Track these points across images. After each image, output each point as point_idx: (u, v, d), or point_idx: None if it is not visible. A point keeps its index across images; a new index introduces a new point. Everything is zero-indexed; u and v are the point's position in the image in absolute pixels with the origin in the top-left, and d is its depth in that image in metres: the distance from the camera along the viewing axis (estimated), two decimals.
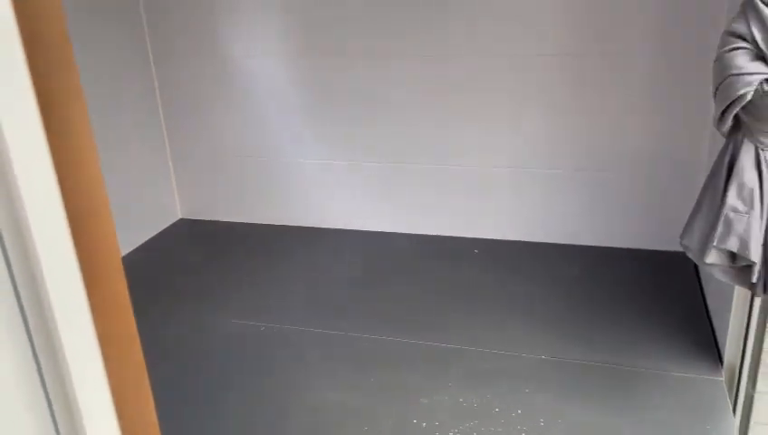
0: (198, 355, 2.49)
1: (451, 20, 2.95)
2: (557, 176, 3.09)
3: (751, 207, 1.68)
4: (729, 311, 2.15)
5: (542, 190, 3.14)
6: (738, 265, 1.78)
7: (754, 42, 1.55)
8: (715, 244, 1.75)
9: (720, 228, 1.73)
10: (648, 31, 2.76)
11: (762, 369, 2.15)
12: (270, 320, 2.68)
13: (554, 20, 2.84)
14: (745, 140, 1.67)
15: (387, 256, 3.22)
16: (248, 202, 3.63)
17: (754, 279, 1.75)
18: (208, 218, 3.74)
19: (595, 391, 2.16)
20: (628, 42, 2.79)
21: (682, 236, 1.91)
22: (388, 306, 2.74)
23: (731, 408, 2.07)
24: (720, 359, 2.26)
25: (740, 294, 2.10)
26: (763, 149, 1.66)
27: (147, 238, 3.50)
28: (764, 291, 1.76)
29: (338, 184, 3.43)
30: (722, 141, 1.78)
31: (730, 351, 2.19)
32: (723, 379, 2.18)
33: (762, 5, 1.53)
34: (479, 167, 3.17)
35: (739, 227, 1.70)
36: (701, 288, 2.73)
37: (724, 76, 1.62)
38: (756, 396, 2.17)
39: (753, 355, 2.12)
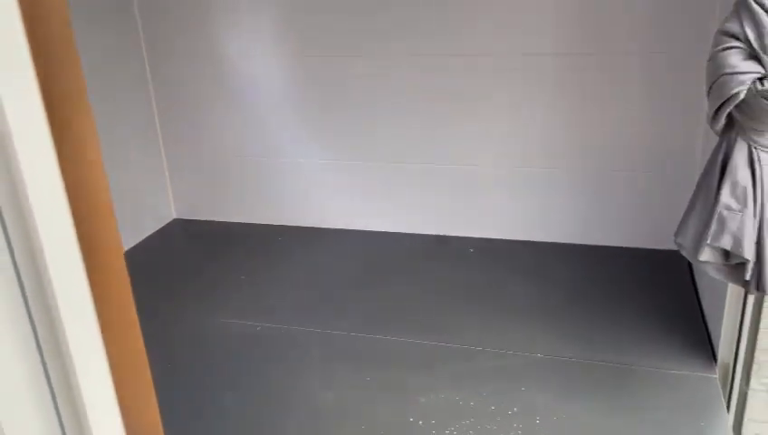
0: (195, 355, 2.49)
1: (449, 20, 2.95)
2: (553, 175, 3.10)
3: (744, 205, 1.70)
4: (723, 309, 2.16)
5: (539, 190, 3.15)
6: (732, 262, 1.80)
7: (747, 41, 1.57)
8: (708, 242, 1.76)
9: (714, 226, 1.75)
10: (644, 31, 2.78)
11: (755, 366, 2.17)
12: (266, 320, 2.68)
13: (551, 20, 2.85)
14: (739, 139, 1.69)
15: (384, 255, 3.22)
16: (243, 202, 3.63)
17: (748, 277, 1.76)
18: (203, 218, 3.74)
19: (590, 388, 2.17)
20: (624, 42, 2.81)
21: (676, 235, 1.92)
22: (385, 306, 2.75)
23: (725, 405, 2.09)
24: (714, 356, 2.27)
25: (733, 291, 2.12)
26: (756, 148, 1.67)
27: (141, 238, 3.49)
28: (758, 288, 1.77)
29: (335, 184, 3.43)
30: (715, 140, 1.79)
31: (724, 348, 2.21)
32: (717, 376, 2.20)
33: (754, 5, 1.55)
34: (475, 166, 3.18)
35: (732, 224, 1.72)
36: (695, 286, 2.75)
37: (717, 75, 1.63)
38: (750, 393, 2.19)
39: (746, 352, 2.14)
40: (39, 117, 0.54)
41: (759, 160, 1.67)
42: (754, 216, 1.70)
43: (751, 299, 2.08)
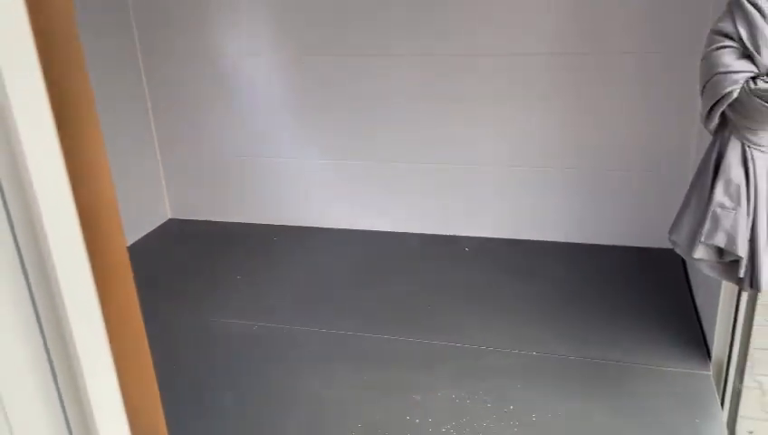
0: (191, 355, 2.49)
1: (447, 21, 2.96)
2: (548, 175, 3.12)
3: (738, 203, 1.71)
4: (716, 306, 2.18)
5: (534, 189, 3.16)
6: (725, 260, 1.81)
7: (740, 40, 1.58)
8: (702, 239, 1.78)
9: (708, 224, 1.76)
10: (639, 30, 2.79)
11: (748, 363, 2.19)
12: (263, 319, 2.69)
13: (547, 20, 2.87)
14: (732, 137, 1.70)
15: (381, 255, 3.23)
16: (239, 202, 3.63)
17: (741, 274, 1.78)
18: (199, 218, 3.73)
19: (586, 385, 2.19)
20: (619, 41, 2.82)
21: (670, 233, 1.94)
22: (382, 305, 2.75)
23: (719, 401, 2.10)
24: (708, 353, 2.29)
25: (727, 289, 2.13)
26: (749, 146, 1.69)
27: (136, 239, 3.49)
28: (751, 285, 1.79)
29: (331, 184, 3.43)
30: (709, 139, 1.81)
31: (718, 345, 2.22)
32: (711, 373, 2.21)
33: (747, 5, 1.56)
34: (470, 166, 3.19)
35: (726, 222, 1.73)
36: (689, 284, 2.77)
37: (711, 74, 1.65)
38: (744, 390, 2.20)
39: (740, 350, 2.16)
40: (47, 119, 0.54)
41: (752, 159, 1.69)
42: (748, 214, 1.72)
43: (744, 296, 2.09)
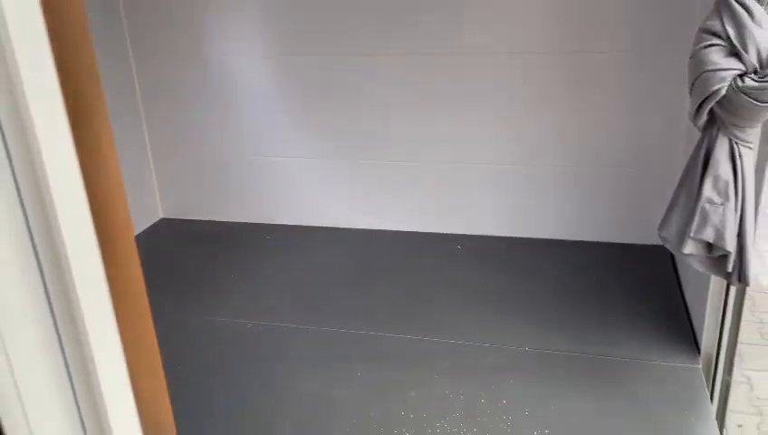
0: (185, 354, 2.49)
1: (438, 20, 2.98)
2: (539, 172, 3.14)
3: (726, 198, 1.74)
4: (705, 301, 2.21)
5: (524, 187, 3.18)
6: (714, 255, 1.84)
7: (728, 38, 1.61)
8: (691, 235, 1.81)
9: (696, 220, 1.79)
10: (626, 29, 2.82)
11: (737, 358, 2.22)
12: (257, 318, 2.70)
13: (534, 19, 2.89)
14: (720, 134, 1.73)
15: (372, 253, 3.24)
16: (231, 201, 3.63)
17: (730, 268, 1.81)
18: (191, 218, 3.73)
19: (577, 380, 2.21)
20: (609, 40, 2.85)
21: (660, 228, 1.96)
22: (374, 302, 2.77)
23: (708, 395, 2.13)
24: (697, 347, 2.32)
25: (716, 283, 2.16)
26: (736, 143, 1.72)
27: None
28: (739, 280, 1.82)
29: (324, 182, 3.44)
30: (697, 137, 1.84)
31: (707, 339, 2.26)
32: (700, 366, 2.24)
33: (734, 3, 1.59)
34: (460, 163, 3.21)
35: (715, 218, 1.76)
36: (678, 279, 2.80)
37: (699, 72, 1.68)
38: (732, 384, 2.24)
39: (728, 343, 2.19)
40: (60, 117, 0.56)
41: (740, 155, 1.72)
42: (736, 209, 1.75)
43: (733, 291, 2.13)
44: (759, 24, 1.57)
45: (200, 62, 3.34)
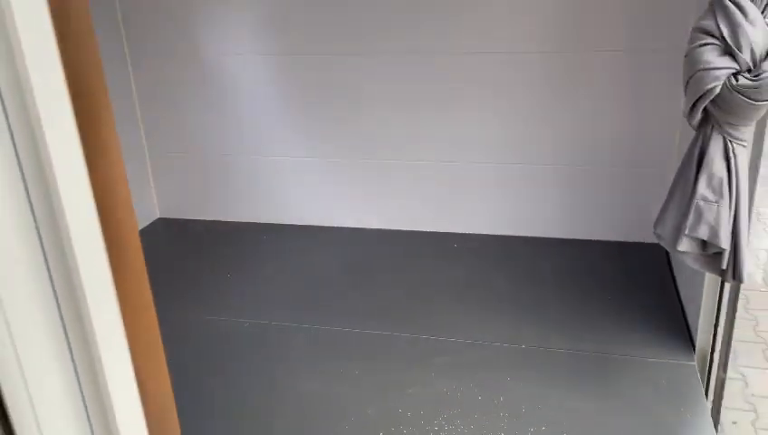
0: (182, 353, 2.49)
1: (435, 19, 2.98)
2: (534, 171, 3.15)
3: (720, 196, 1.76)
4: (700, 298, 2.22)
5: (522, 186, 3.20)
6: (709, 252, 1.86)
7: (722, 38, 1.62)
8: (686, 232, 1.82)
9: (691, 217, 1.81)
10: (624, 28, 2.84)
11: (731, 355, 2.24)
12: (254, 316, 2.70)
13: (531, 18, 2.90)
14: (714, 133, 1.74)
15: (369, 251, 3.25)
16: (228, 201, 3.64)
17: (724, 266, 1.82)
18: (187, 217, 3.73)
19: (574, 377, 2.23)
20: (605, 39, 2.86)
21: (655, 226, 1.98)
22: (372, 301, 2.78)
23: (703, 391, 2.15)
24: (692, 344, 2.34)
25: (710, 281, 2.18)
26: (731, 141, 1.73)
27: None
28: (734, 277, 1.84)
29: (319, 181, 3.45)
30: (692, 135, 1.85)
31: (701, 336, 2.27)
32: (695, 363, 2.26)
33: (729, 3, 1.60)
34: (458, 163, 3.22)
35: (709, 215, 1.78)
36: (673, 277, 2.82)
37: (693, 71, 1.69)
38: (727, 381, 2.26)
39: (723, 340, 2.21)
40: (68, 116, 0.56)
41: (734, 153, 1.74)
42: (730, 206, 1.76)
43: (727, 288, 2.14)
44: (753, 24, 1.59)
45: (197, 63, 3.34)
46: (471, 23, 2.96)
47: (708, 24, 1.65)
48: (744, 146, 1.75)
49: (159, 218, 3.75)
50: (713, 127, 1.74)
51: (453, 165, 3.23)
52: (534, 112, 3.05)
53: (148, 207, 3.69)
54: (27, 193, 0.54)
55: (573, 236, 3.23)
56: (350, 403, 2.15)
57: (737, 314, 2.17)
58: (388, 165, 3.32)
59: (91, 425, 0.64)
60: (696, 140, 1.81)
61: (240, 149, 3.48)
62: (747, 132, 1.75)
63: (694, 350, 2.31)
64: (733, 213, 1.77)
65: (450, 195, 3.30)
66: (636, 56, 2.85)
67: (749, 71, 1.62)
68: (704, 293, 2.20)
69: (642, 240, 3.09)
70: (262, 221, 3.60)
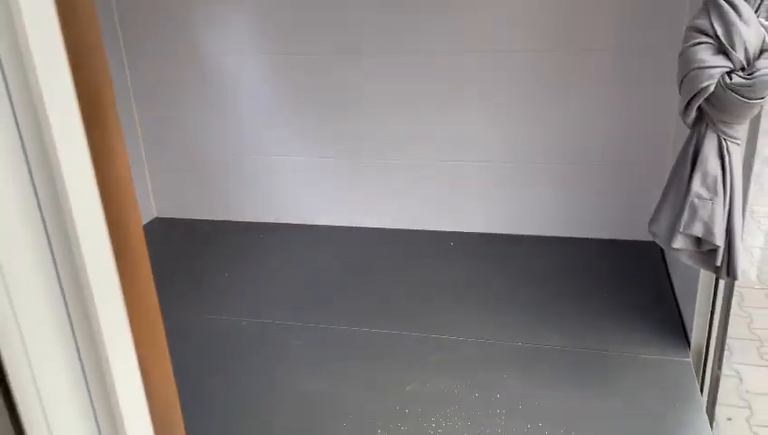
0: (182, 352, 2.49)
1: (430, 18, 2.99)
2: (530, 170, 3.17)
3: (715, 193, 1.77)
4: (695, 295, 2.24)
5: (516, 184, 3.21)
6: (703, 249, 1.87)
7: (716, 36, 1.64)
8: (681, 230, 1.84)
9: (686, 215, 1.82)
10: (618, 27, 2.85)
11: (726, 352, 2.26)
12: (252, 315, 2.71)
13: (526, 17, 2.91)
14: (709, 131, 1.76)
15: (366, 250, 3.26)
16: (225, 200, 3.64)
17: (719, 262, 1.84)
18: (184, 217, 3.73)
19: (570, 374, 2.24)
20: (598, 38, 2.88)
21: (650, 224, 2.00)
22: (369, 299, 2.79)
23: (699, 388, 2.16)
24: (687, 341, 2.35)
25: (705, 278, 2.20)
26: (725, 139, 1.75)
27: None
28: (728, 274, 1.85)
29: (319, 181, 3.45)
30: (686, 134, 1.87)
31: (696, 333, 2.29)
32: (690, 360, 2.28)
33: (723, 2, 1.62)
34: (454, 161, 3.24)
35: (704, 213, 1.79)
36: (668, 274, 2.84)
37: (688, 69, 1.70)
38: (722, 378, 2.27)
39: (718, 337, 2.23)
40: (74, 114, 0.57)
41: (728, 151, 1.75)
42: (724, 204, 1.78)
43: (722, 285, 2.16)
44: (746, 23, 1.61)
45: (194, 62, 3.34)
46: (471, 23, 2.97)
47: (702, 22, 1.67)
48: (737, 144, 1.77)
49: (156, 218, 3.75)
50: (707, 125, 1.76)
51: (454, 164, 3.24)
52: (535, 111, 3.07)
53: (144, 206, 3.69)
54: (35, 191, 0.55)
55: (567, 234, 3.24)
56: (350, 402, 2.16)
57: (732, 312, 2.19)
58: (388, 165, 3.33)
59: (96, 419, 0.65)
60: (690, 138, 1.82)
61: (239, 148, 3.48)
62: (741, 130, 1.77)
63: (689, 347, 2.33)
64: (727, 210, 1.79)
65: (452, 194, 3.31)
66: (630, 55, 2.86)
67: (743, 69, 1.64)
68: (698, 290, 2.22)
69: (637, 238, 3.11)
70: (261, 221, 3.60)
